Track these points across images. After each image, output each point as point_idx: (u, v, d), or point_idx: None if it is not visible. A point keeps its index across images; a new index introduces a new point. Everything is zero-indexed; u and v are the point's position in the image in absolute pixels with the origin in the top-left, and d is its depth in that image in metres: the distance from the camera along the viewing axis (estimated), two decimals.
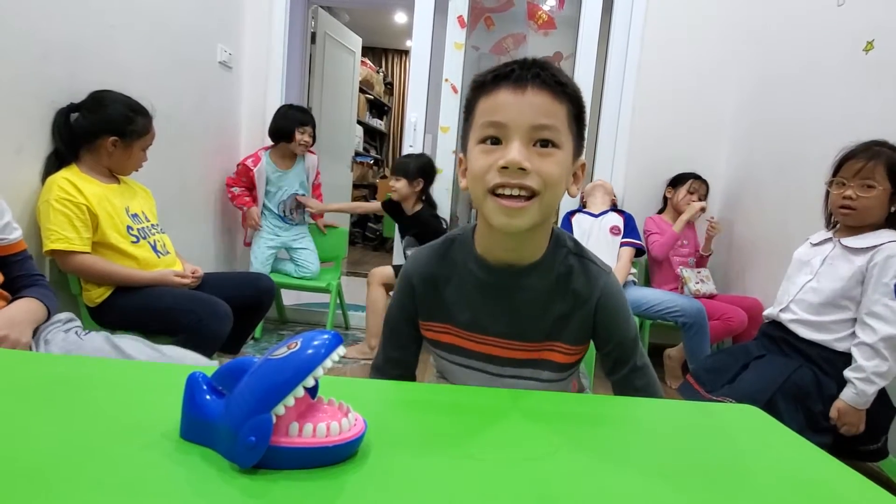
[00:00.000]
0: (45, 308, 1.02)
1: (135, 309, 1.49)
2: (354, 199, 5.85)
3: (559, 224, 2.61)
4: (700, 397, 1.41)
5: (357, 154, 5.71)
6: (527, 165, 0.62)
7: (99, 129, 1.49)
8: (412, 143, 2.69)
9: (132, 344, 1.14)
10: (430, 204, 2.43)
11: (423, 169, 2.38)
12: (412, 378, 0.86)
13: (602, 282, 0.75)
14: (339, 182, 4.81)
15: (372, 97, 6.37)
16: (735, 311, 2.10)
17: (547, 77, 0.64)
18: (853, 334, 1.27)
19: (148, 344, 1.17)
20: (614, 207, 2.48)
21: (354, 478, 0.41)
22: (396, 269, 2.38)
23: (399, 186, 2.37)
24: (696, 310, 2.11)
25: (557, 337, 0.75)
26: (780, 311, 1.42)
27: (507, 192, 0.64)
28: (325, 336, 0.44)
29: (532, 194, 0.64)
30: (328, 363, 0.43)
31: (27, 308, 0.98)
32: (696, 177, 2.45)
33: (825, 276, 1.33)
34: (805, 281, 1.38)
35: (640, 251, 2.41)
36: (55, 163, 1.49)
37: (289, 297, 2.87)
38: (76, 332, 1.11)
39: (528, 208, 0.64)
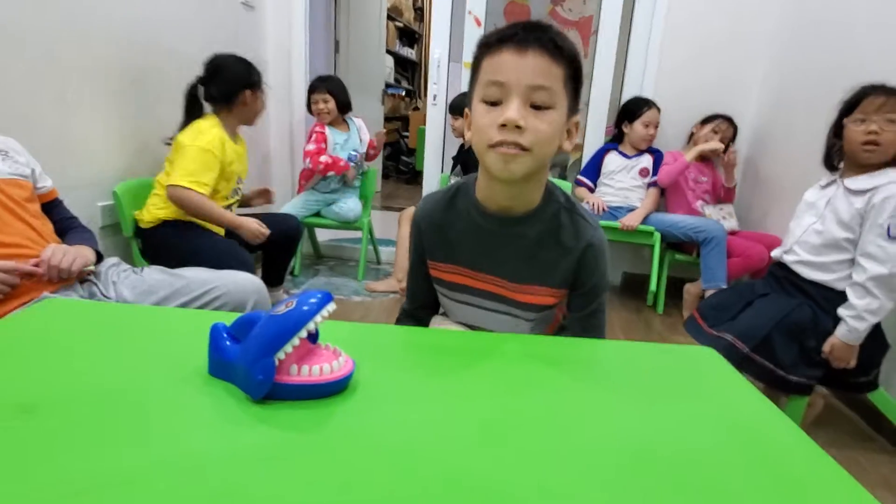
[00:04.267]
0: (95, 253, 1.15)
1: (173, 241, 1.65)
2: (387, 132, 5.81)
3: (588, 160, 2.59)
4: (703, 332, 1.47)
5: (388, 86, 5.62)
6: (522, 123, 0.69)
7: (234, 88, 1.73)
8: (436, 81, 2.66)
9: (189, 270, 1.27)
10: None
11: None
12: (436, 313, 0.99)
13: (589, 235, 0.82)
14: (370, 116, 4.79)
15: (401, 25, 6.15)
16: (755, 246, 2.11)
17: (547, 41, 0.69)
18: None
19: (201, 269, 1.29)
20: (650, 149, 2.46)
21: (343, 407, 0.52)
22: None
23: (458, 125, 2.42)
24: (717, 228, 2.16)
25: (542, 281, 0.84)
26: (785, 252, 1.44)
27: (504, 149, 0.71)
28: (317, 296, 0.53)
29: (526, 148, 0.71)
30: (318, 318, 0.52)
31: (84, 249, 1.10)
32: (726, 118, 2.39)
33: (828, 219, 1.34)
34: (810, 223, 1.39)
35: None
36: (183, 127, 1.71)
37: (323, 234, 3.03)
38: (133, 272, 1.24)
39: (523, 157, 0.71)
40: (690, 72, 2.52)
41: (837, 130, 1.35)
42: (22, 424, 0.45)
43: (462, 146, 2.58)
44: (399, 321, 1.00)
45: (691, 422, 0.54)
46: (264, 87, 1.85)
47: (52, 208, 1.18)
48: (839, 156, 1.38)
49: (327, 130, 2.55)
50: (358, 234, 2.68)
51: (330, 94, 2.49)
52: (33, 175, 1.14)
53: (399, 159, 6.25)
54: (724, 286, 2.08)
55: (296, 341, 0.51)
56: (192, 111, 1.75)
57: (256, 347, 0.51)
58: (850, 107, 1.31)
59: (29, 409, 0.47)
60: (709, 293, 2.12)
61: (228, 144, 1.73)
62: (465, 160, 2.47)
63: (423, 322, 0.99)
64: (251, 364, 0.51)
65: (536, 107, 0.70)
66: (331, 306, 0.54)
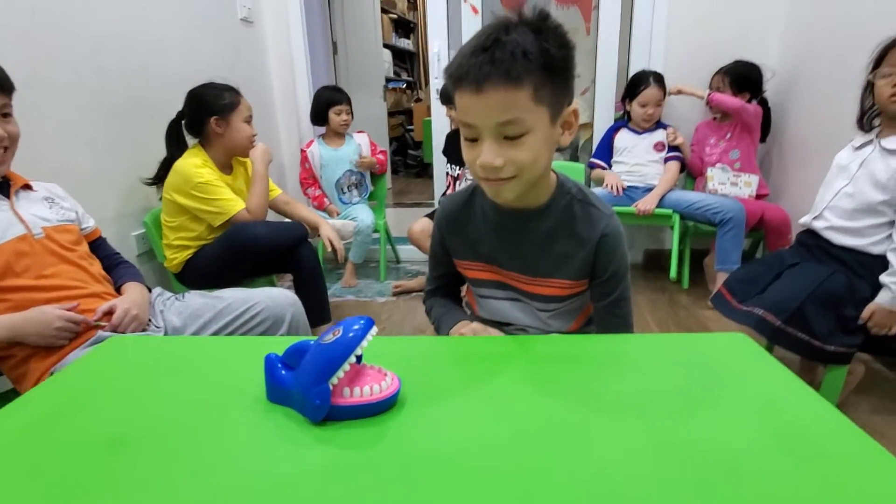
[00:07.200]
0: (148, 288, 1.23)
1: (204, 267, 1.66)
2: (391, 127, 5.84)
3: (599, 141, 2.57)
4: (732, 308, 1.47)
5: (388, 80, 5.62)
6: (498, 163, 0.70)
7: (201, 118, 1.64)
8: (437, 75, 2.67)
9: (227, 291, 1.33)
10: None
11: None
12: (458, 292, 1.03)
13: (603, 224, 0.83)
14: (373, 113, 4.81)
15: (396, 16, 6.13)
16: (750, 203, 2.16)
17: (500, 73, 0.65)
18: (889, 237, 1.27)
19: (238, 289, 1.35)
20: (661, 124, 2.43)
21: (395, 423, 0.56)
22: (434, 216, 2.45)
23: (454, 115, 2.37)
24: (734, 208, 2.11)
25: (557, 274, 0.86)
26: (814, 218, 1.41)
27: (491, 182, 0.73)
28: (360, 322, 0.57)
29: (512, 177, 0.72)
30: (364, 343, 0.56)
31: (142, 294, 1.19)
32: (728, 68, 2.28)
33: (861, 181, 1.31)
34: (841, 186, 1.36)
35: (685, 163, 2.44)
36: (166, 166, 1.66)
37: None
38: (176, 299, 1.31)
39: (511, 185, 0.73)
40: (700, 35, 2.44)
41: (869, 89, 1.32)
42: (115, 459, 0.51)
43: (448, 135, 2.58)
44: (427, 302, 1.02)
45: (727, 414, 0.56)
46: (240, 109, 1.66)
47: (97, 246, 1.25)
48: (874, 116, 1.35)
49: (315, 146, 2.60)
50: (375, 235, 2.71)
51: (349, 104, 2.56)
52: (78, 217, 1.21)
53: (406, 154, 6.26)
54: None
55: (346, 366, 0.55)
56: (172, 146, 1.70)
57: (311, 374, 0.55)
58: (877, 63, 1.28)
59: (117, 444, 0.53)
60: (721, 276, 2.11)
61: (215, 173, 1.65)
62: (449, 148, 2.51)
63: (454, 294, 1.02)
64: (308, 390, 0.55)
65: (511, 137, 0.69)
66: (374, 330, 0.57)
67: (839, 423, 0.54)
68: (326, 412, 0.55)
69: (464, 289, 1.04)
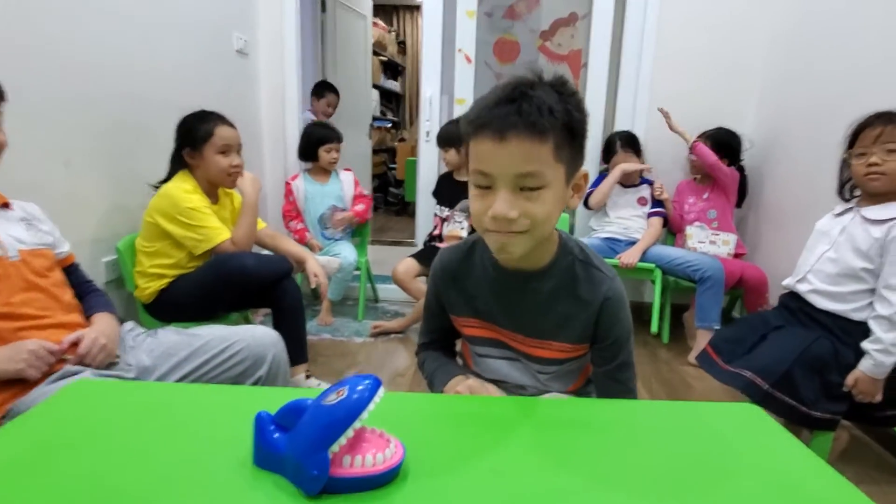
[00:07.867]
0: (119, 320, 1.15)
1: (177, 299, 1.58)
2: (374, 164, 5.88)
3: (591, 182, 2.61)
4: (718, 367, 1.47)
5: (374, 119, 5.69)
6: (513, 215, 0.67)
7: (179, 149, 1.61)
8: (429, 118, 2.70)
9: (205, 328, 1.24)
10: None
11: None
12: (452, 346, 0.99)
13: (605, 287, 0.80)
14: (358, 150, 4.82)
15: (385, 58, 6.27)
16: (730, 262, 2.19)
17: (526, 124, 0.65)
18: (870, 304, 1.30)
19: (217, 326, 1.26)
20: (645, 180, 2.49)
21: (398, 496, 0.51)
22: (419, 257, 2.41)
23: (450, 158, 2.39)
24: (713, 266, 2.15)
25: (557, 337, 0.83)
26: (798, 281, 1.44)
27: (500, 235, 0.70)
28: (365, 382, 0.52)
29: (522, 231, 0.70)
30: (371, 406, 0.51)
31: (112, 324, 1.11)
32: (711, 133, 2.37)
33: (843, 247, 1.34)
34: (823, 251, 1.39)
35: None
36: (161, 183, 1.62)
37: None
38: (148, 335, 1.22)
39: (521, 239, 0.70)
40: (683, 99, 2.55)
41: (846, 164, 1.38)
42: None
43: (440, 177, 2.60)
44: (420, 355, 0.99)
45: (741, 488, 0.54)
46: (213, 141, 1.57)
47: (71, 273, 1.18)
48: (854, 187, 1.40)
49: (300, 181, 2.58)
50: (356, 272, 2.66)
51: (339, 142, 2.55)
52: (54, 241, 1.14)
53: (387, 191, 6.28)
54: (718, 327, 2.08)
55: (350, 433, 0.50)
56: (171, 170, 1.66)
57: (308, 440, 0.50)
58: (852, 141, 1.34)
59: None
60: (702, 333, 2.13)
61: (205, 200, 1.61)
62: (440, 190, 2.52)
63: (447, 348, 0.99)
64: (304, 458, 0.50)
65: (528, 189, 0.68)
66: (380, 392, 0.53)
67: (851, 495, 0.53)
68: (324, 484, 0.49)
69: (458, 341, 1.00)
